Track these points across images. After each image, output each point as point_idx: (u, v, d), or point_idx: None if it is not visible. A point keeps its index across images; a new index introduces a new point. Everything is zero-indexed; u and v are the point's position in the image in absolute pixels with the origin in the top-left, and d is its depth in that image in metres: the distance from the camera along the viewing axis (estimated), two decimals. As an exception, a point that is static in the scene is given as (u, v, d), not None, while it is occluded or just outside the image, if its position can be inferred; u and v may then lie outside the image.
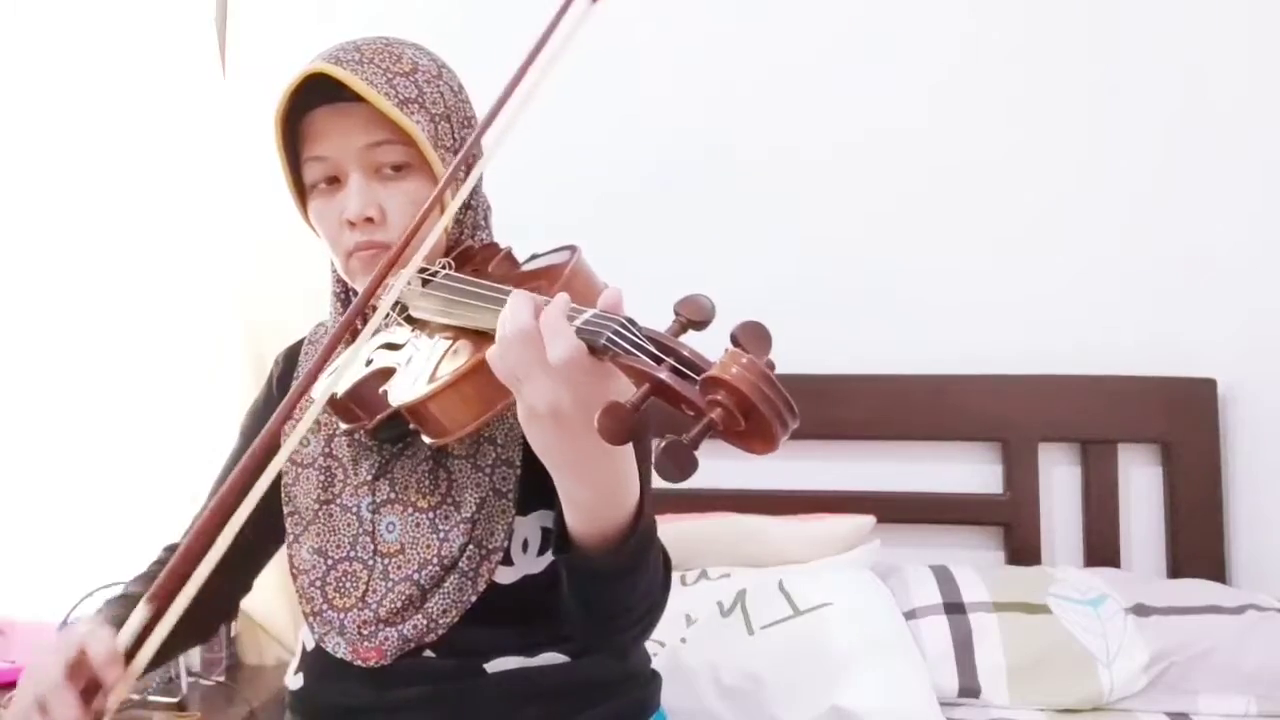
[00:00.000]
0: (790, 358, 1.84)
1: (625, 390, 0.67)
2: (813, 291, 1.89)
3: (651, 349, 0.62)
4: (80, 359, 1.83)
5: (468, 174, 0.96)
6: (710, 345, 0.63)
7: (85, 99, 1.84)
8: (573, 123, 1.97)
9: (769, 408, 0.56)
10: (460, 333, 0.83)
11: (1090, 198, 1.84)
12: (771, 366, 0.58)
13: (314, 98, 0.93)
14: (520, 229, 1.07)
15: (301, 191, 0.98)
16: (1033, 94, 1.86)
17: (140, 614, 0.71)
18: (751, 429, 0.57)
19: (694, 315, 0.64)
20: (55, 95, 1.85)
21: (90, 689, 0.72)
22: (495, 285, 0.83)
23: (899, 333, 1.88)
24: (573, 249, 0.87)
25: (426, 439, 0.83)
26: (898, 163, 1.89)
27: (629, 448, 0.76)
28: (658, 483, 0.83)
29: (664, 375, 0.60)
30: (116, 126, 1.83)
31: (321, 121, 0.94)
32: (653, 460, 0.56)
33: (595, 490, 0.76)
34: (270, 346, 1.86)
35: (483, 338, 0.78)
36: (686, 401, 0.59)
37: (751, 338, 0.60)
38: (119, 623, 0.75)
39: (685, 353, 0.61)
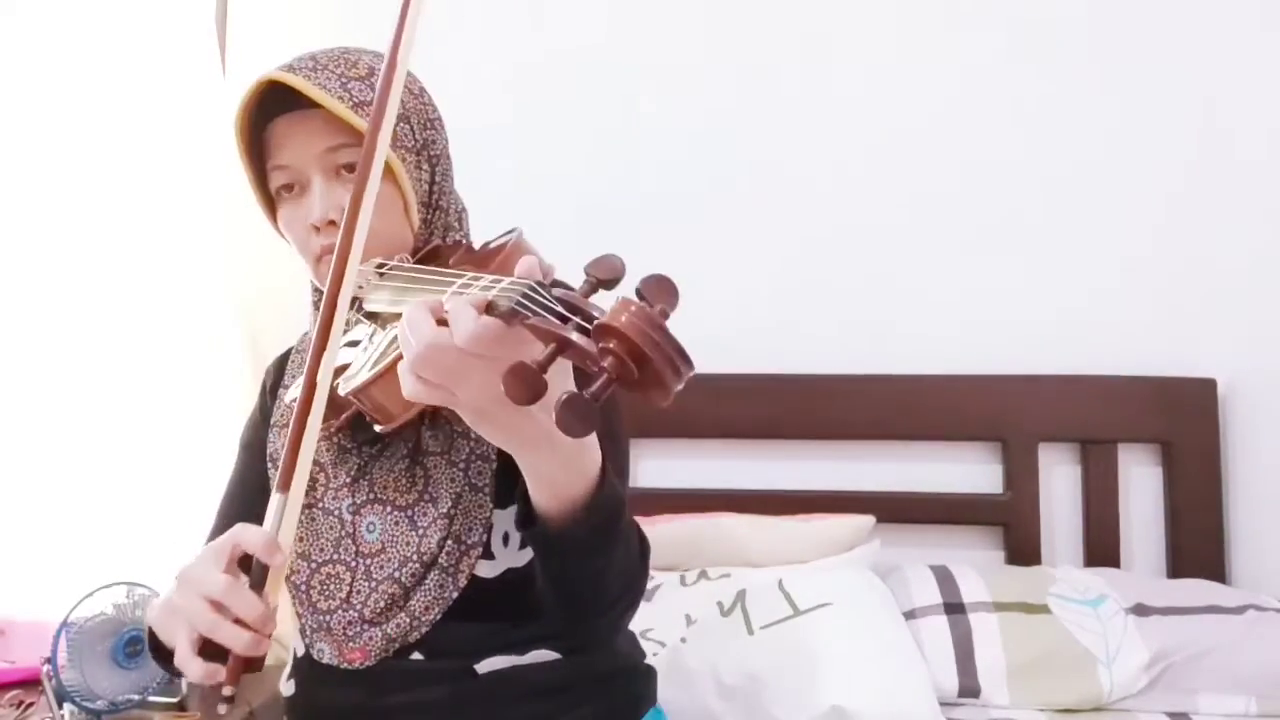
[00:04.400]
0: (790, 358, 1.86)
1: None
2: (812, 291, 1.89)
3: (559, 309, 0.62)
4: (80, 359, 1.83)
5: (433, 171, 0.98)
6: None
7: (86, 99, 1.84)
8: (566, 123, 1.97)
9: (659, 354, 0.56)
10: None
11: (1091, 198, 1.84)
12: (665, 315, 0.57)
13: (274, 107, 0.94)
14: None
15: (270, 201, 0.99)
16: (1034, 94, 1.86)
17: (276, 500, 0.76)
18: (645, 378, 0.57)
19: (603, 274, 0.64)
20: (55, 96, 1.85)
21: (256, 582, 0.75)
22: (441, 270, 0.83)
23: (899, 333, 1.88)
24: (515, 230, 0.89)
25: (377, 427, 0.85)
26: (898, 163, 1.89)
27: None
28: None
29: (570, 334, 0.59)
30: (117, 127, 1.83)
31: (282, 129, 0.95)
32: (554, 415, 0.56)
33: (557, 458, 0.76)
34: (269, 347, 1.87)
35: None
36: (590, 358, 0.58)
37: (655, 290, 0.60)
38: None
39: (594, 312, 0.61)
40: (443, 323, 0.67)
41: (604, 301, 0.62)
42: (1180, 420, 1.75)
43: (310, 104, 0.92)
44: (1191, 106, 1.81)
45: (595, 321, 0.57)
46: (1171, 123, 1.82)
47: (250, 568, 0.76)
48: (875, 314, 1.89)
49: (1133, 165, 1.83)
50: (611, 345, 0.56)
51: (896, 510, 1.80)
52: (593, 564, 0.83)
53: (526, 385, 0.57)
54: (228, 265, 1.82)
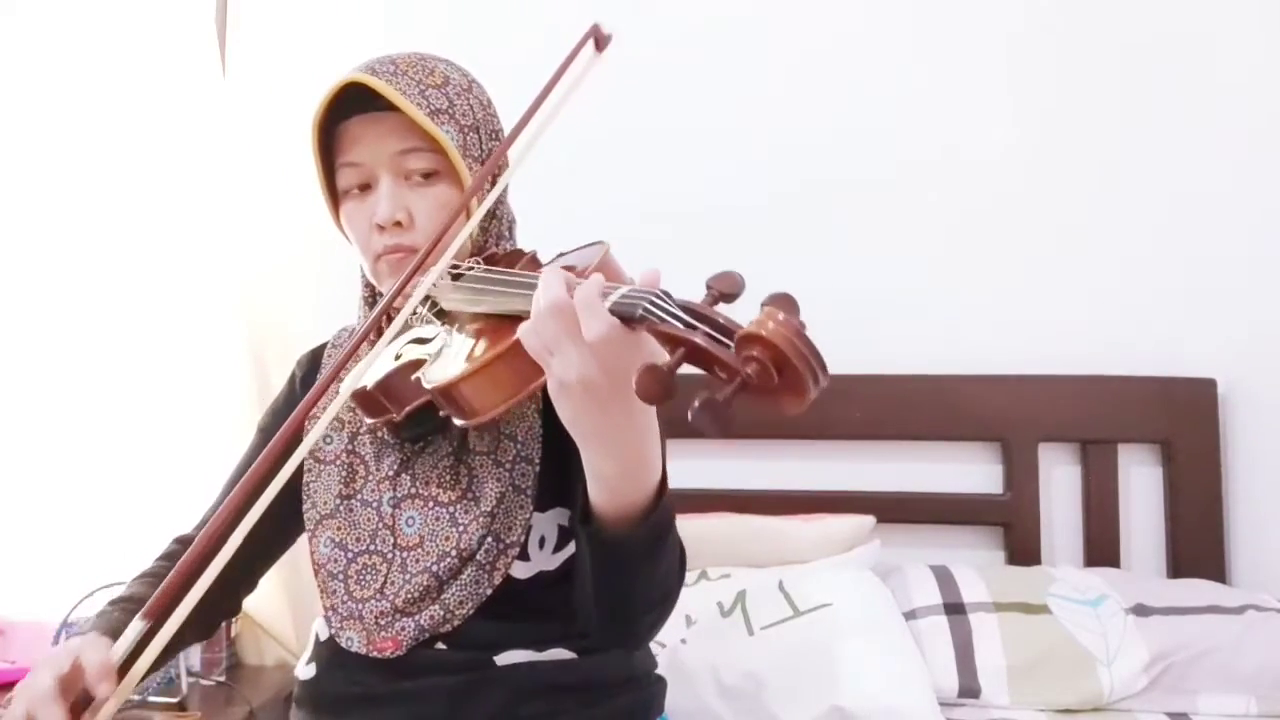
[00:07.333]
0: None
1: (657, 357, 0.70)
2: (812, 292, 1.88)
3: (686, 317, 0.65)
4: (81, 359, 1.83)
5: (493, 184, 1.00)
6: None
7: (86, 99, 1.84)
8: (583, 132, 1.96)
9: (803, 362, 0.58)
10: (490, 319, 0.86)
11: (1090, 198, 1.84)
12: (804, 326, 0.60)
13: (350, 106, 0.97)
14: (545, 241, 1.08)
15: (334, 197, 1.02)
16: (1034, 96, 1.86)
17: (136, 628, 0.71)
18: (784, 384, 0.59)
19: (726, 288, 0.67)
20: (56, 95, 1.85)
21: (81, 703, 0.71)
22: (525, 273, 0.86)
23: (899, 333, 1.88)
24: (602, 244, 0.91)
25: (457, 421, 0.85)
26: (898, 164, 1.89)
27: (655, 426, 0.79)
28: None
29: (699, 339, 0.63)
30: (117, 127, 1.84)
31: (356, 129, 0.98)
32: (689, 416, 0.58)
33: (620, 463, 0.79)
34: (272, 347, 1.88)
35: (514, 322, 0.80)
36: (720, 363, 0.62)
37: (784, 303, 0.63)
38: (116, 630, 0.76)
39: (720, 319, 0.64)
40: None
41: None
42: (1180, 420, 1.75)
43: (386, 106, 0.94)
44: (1192, 107, 1.81)
45: (740, 331, 0.61)
46: (1172, 123, 1.82)
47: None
48: (876, 314, 1.88)
49: (1133, 165, 1.83)
50: (755, 353, 0.59)
51: (896, 510, 1.80)
52: (638, 572, 0.86)
53: (660, 385, 0.60)
54: (229, 265, 1.82)
